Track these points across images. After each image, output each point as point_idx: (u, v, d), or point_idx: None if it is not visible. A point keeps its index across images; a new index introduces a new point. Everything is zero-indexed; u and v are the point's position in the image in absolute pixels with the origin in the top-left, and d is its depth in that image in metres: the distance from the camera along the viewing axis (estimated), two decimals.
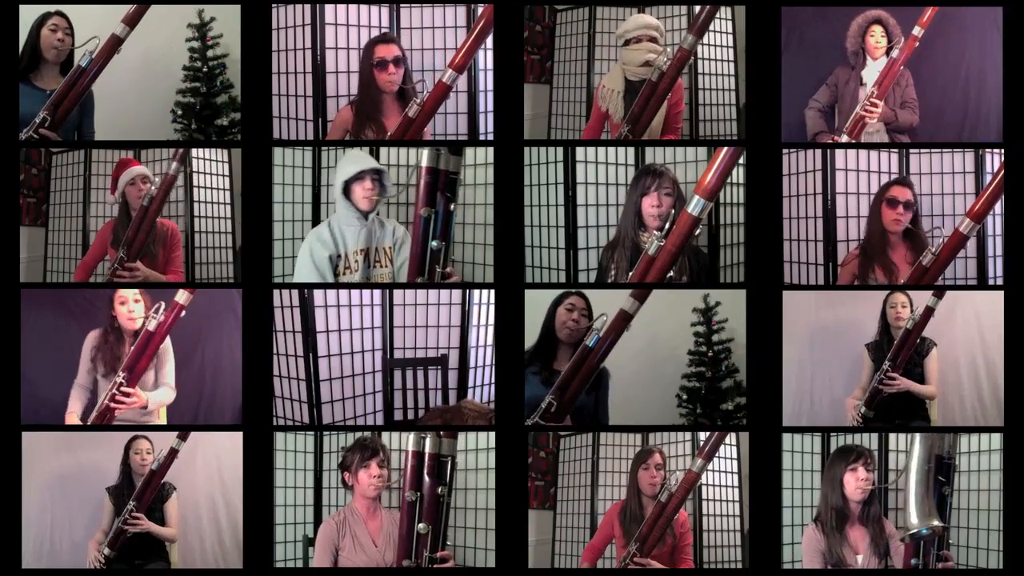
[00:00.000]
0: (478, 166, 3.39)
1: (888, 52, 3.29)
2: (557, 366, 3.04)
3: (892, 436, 3.19)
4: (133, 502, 3.09)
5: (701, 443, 3.07)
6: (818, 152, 3.34)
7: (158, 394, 3.16)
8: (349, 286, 3.30)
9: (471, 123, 3.50)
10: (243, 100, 3.05)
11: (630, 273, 2.86)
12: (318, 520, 3.30)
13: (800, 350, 3.23)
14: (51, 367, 3.15)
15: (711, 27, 3.01)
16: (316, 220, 3.43)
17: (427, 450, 2.74)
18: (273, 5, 3.08)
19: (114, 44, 3.01)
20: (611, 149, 3.35)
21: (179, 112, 3.41)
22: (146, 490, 3.10)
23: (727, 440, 3.28)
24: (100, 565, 3.08)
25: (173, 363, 3.21)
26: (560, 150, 3.37)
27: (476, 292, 3.57)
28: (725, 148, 2.63)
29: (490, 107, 3.46)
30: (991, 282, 3.28)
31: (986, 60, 3.34)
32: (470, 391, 3.60)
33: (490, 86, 3.44)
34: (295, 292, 3.32)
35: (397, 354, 3.57)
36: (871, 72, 3.33)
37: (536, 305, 3.08)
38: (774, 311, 2.96)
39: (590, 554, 3.28)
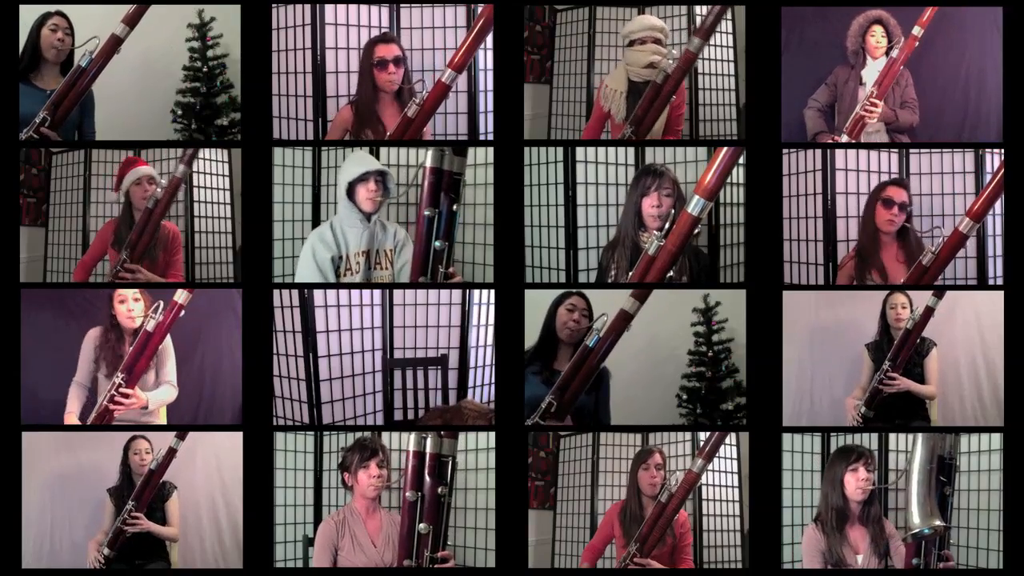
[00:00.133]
0: (478, 166, 3.39)
1: (888, 52, 3.29)
2: (558, 366, 3.04)
3: (892, 436, 3.19)
4: (132, 502, 3.09)
5: (701, 443, 3.07)
6: (818, 152, 3.34)
7: (159, 393, 3.16)
8: (349, 286, 3.30)
9: (471, 123, 3.50)
10: (243, 100, 3.05)
11: (630, 273, 2.87)
12: (318, 520, 3.29)
13: (800, 350, 3.23)
14: (51, 367, 3.14)
15: (705, 25, 3.01)
16: (316, 220, 3.43)
17: (428, 450, 2.74)
18: (273, 5, 3.08)
19: (114, 44, 3.01)
20: (611, 149, 3.35)
21: (179, 112, 3.41)
22: (145, 490, 3.10)
23: (727, 440, 3.28)
24: (100, 565, 3.08)
25: (174, 361, 3.20)
26: (560, 150, 3.37)
27: (476, 292, 3.57)
28: (725, 148, 2.63)
29: (490, 107, 3.46)
30: (991, 282, 3.28)
31: (986, 60, 3.34)
32: (470, 391, 3.60)
33: (490, 86, 3.44)
34: (295, 292, 3.32)
35: (397, 354, 3.57)
36: (871, 72, 3.33)
37: (536, 305, 3.08)
38: (774, 311, 2.96)
39: (590, 554, 3.28)
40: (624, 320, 2.81)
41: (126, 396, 3.01)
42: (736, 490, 3.48)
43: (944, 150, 3.39)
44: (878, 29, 3.32)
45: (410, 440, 2.76)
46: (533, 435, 3.43)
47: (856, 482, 2.99)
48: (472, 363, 3.62)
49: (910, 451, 2.93)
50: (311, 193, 3.45)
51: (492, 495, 3.04)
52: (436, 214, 2.80)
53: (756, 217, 2.97)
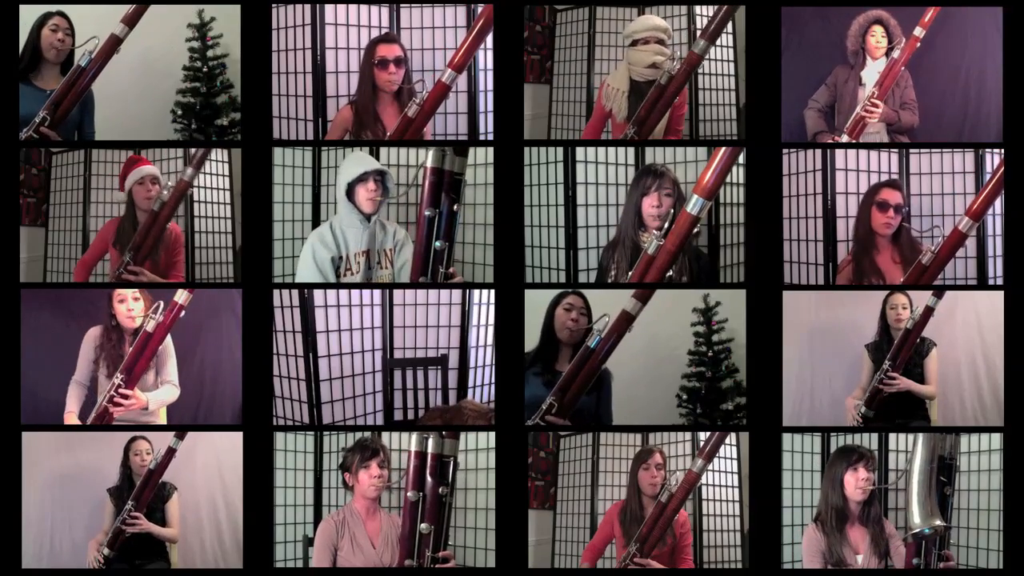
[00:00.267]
0: (478, 166, 3.39)
1: (888, 52, 3.29)
2: (559, 367, 3.04)
3: (892, 436, 3.19)
4: (132, 502, 3.09)
5: (701, 443, 3.07)
6: (818, 152, 3.34)
7: (160, 393, 3.16)
8: (349, 286, 3.30)
9: (471, 123, 3.50)
10: (243, 100, 3.05)
11: (630, 273, 2.87)
12: (318, 520, 3.29)
13: (800, 350, 3.23)
14: (51, 367, 3.14)
15: (711, 27, 3.01)
16: (316, 220, 3.43)
17: (430, 450, 2.74)
18: (273, 5, 3.08)
19: (113, 44, 3.02)
20: (611, 149, 3.35)
21: (179, 112, 3.40)
22: (144, 490, 3.10)
23: (727, 440, 3.28)
24: (100, 565, 3.08)
25: (175, 360, 3.20)
26: (560, 150, 3.37)
27: (476, 292, 3.57)
28: (723, 147, 2.63)
29: (490, 107, 3.46)
30: (991, 282, 3.28)
31: (986, 60, 3.34)
32: (470, 391, 3.60)
33: (490, 86, 3.44)
34: (295, 292, 3.31)
35: (397, 354, 3.57)
36: (870, 72, 3.33)
37: (536, 305, 3.08)
38: (774, 311, 2.97)
39: (590, 554, 3.28)
40: (626, 321, 2.81)
41: (125, 397, 3.01)
42: (736, 490, 3.48)
43: (944, 150, 3.39)
44: (878, 29, 3.32)
45: (412, 440, 2.76)
46: (533, 435, 3.43)
47: (856, 482, 2.99)
48: (472, 363, 3.62)
49: (910, 451, 2.93)
50: (311, 193, 3.45)
51: (492, 495, 3.05)
52: (436, 214, 2.80)
53: (756, 217, 2.98)
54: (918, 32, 3.18)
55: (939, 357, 3.22)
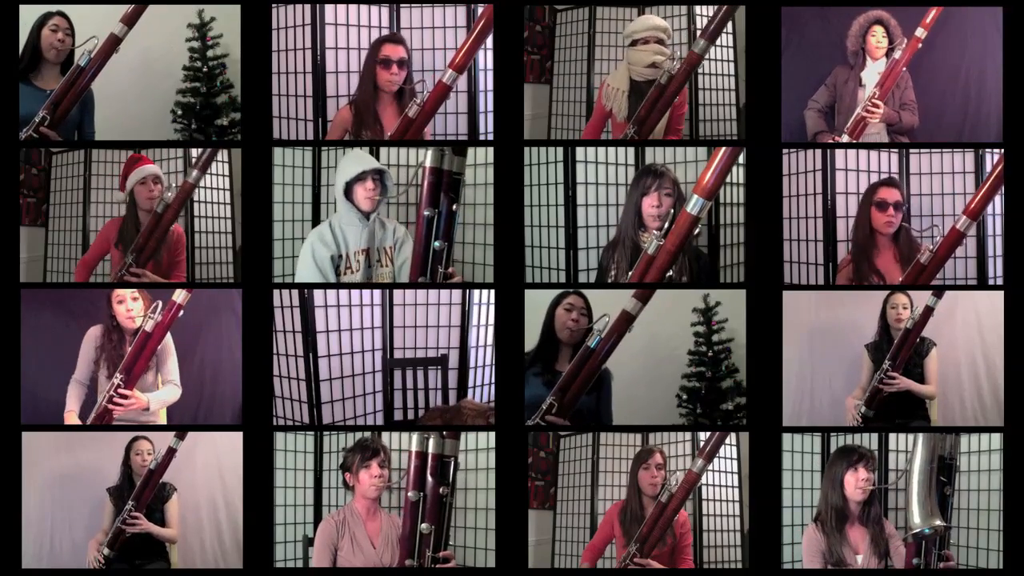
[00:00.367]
0: (478, 166, 3.39)
1: (889, 53, 3.29)
2: (559, 367, 3.04)
3: (892, 436, 3.19)
4: (132, 502, 3.09)
5: (701, 443, 3.07)
6: (818, 152, 3.34)
7: (161, 393, 3.16)
8: (349, 286, 3.30)
9: (471, 123, 3.50)
10: (243, 100, 3.05)
11: (630, 273, 2.87)
12: (318, 520, 3.29)
13: (800, 350, 3.23)
14: (51, 367, 3.14)
15: (711, 27, 3.01)
16: (316, 220, 3.43)
17: (430, 450, 2.74)
18: (273, 5, 3.08)
19: (113, 43, 3.01)
20: (611, 149, 3.35)
21: (179, 112, 3.40)
22: (144, 489, 3.10)
23: (727, 440, 3.28)
24: (100, 565, 3.08)
25: (176, 359, 3.20)
26: (560, 150, 3.37)
27: (476, 292, 3.57)
28: (723, 147, 2.63)
29: (490, 107, 3.46)
30: (991, 282, 3.28)
31: (986, 60, 3.34)
32: (470, 391, 3.60)
33: (490, 86, 3.44)
34: (295, 292, 3.31)
35: (397, 354, 3.57)
36: (870, 73, 3.33)
37: (536, 305, 3.08)
38: (774, 311, 2.97)
39: (590, 554, 3.28)
40: (626, 321, 2.81)
41: (124, 397, 3.01)
42: (736, 490, 3.48)
43: (944, 150, 3.39)
44: (879, 30, 3.32)
45: (412, 440, 2.76)
46: (533, 435, 3.43)
47: (856, 482, 2.99)
48: (472, 363, 3.62)
49: (910, 451, 2.93)
50: (311, 193, 3.45)
51: (492, 495, 3.05)
52: (436, 214, 2.80)
53: (756, 217, 2.98)
54: (920, 33, 3.18)
55: (939, 357, 3.22)
